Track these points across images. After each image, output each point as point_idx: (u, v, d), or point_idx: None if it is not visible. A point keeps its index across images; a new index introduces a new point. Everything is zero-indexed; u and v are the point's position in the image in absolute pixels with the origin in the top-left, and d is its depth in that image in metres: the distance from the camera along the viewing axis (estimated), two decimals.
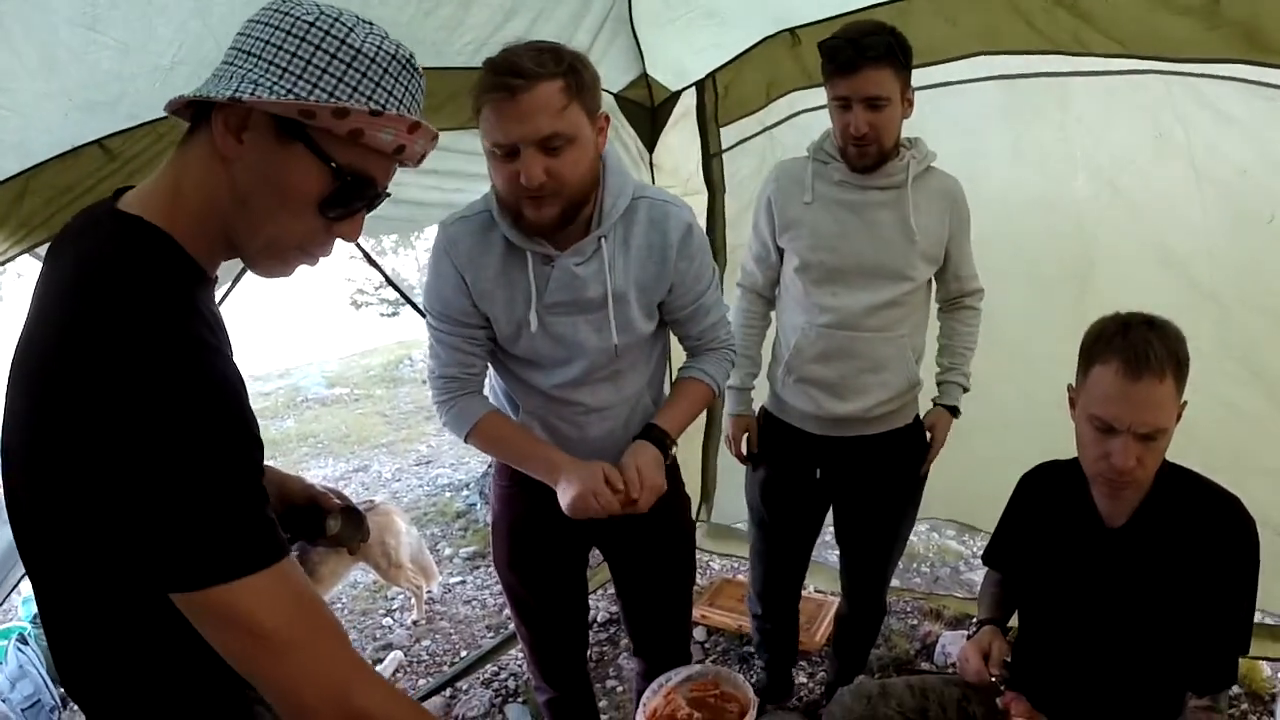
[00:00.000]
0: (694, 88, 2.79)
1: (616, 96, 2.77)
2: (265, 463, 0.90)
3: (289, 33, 0.86)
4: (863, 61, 1.75)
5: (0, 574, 2.22)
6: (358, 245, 2.26)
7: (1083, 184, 2.32)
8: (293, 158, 0.88)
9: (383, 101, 0.89)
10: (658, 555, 1.91)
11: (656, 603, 1.99)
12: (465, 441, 1.69)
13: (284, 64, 0.86)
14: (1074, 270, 2.41)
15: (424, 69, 2.25)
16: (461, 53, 2.26)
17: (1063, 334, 2.35)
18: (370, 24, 0.90)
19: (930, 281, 2.08)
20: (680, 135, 2.91)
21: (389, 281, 3.13)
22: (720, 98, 2.74)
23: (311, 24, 0.86)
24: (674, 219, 1.60)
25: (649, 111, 2.90)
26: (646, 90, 2.86)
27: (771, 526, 2.31)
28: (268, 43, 0.86)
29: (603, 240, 1.55)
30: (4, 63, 1.52)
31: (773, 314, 2.23)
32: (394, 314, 11.88)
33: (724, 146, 2.83)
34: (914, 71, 2.29)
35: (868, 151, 1.86)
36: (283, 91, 0.85)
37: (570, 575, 1.92)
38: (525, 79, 1.32)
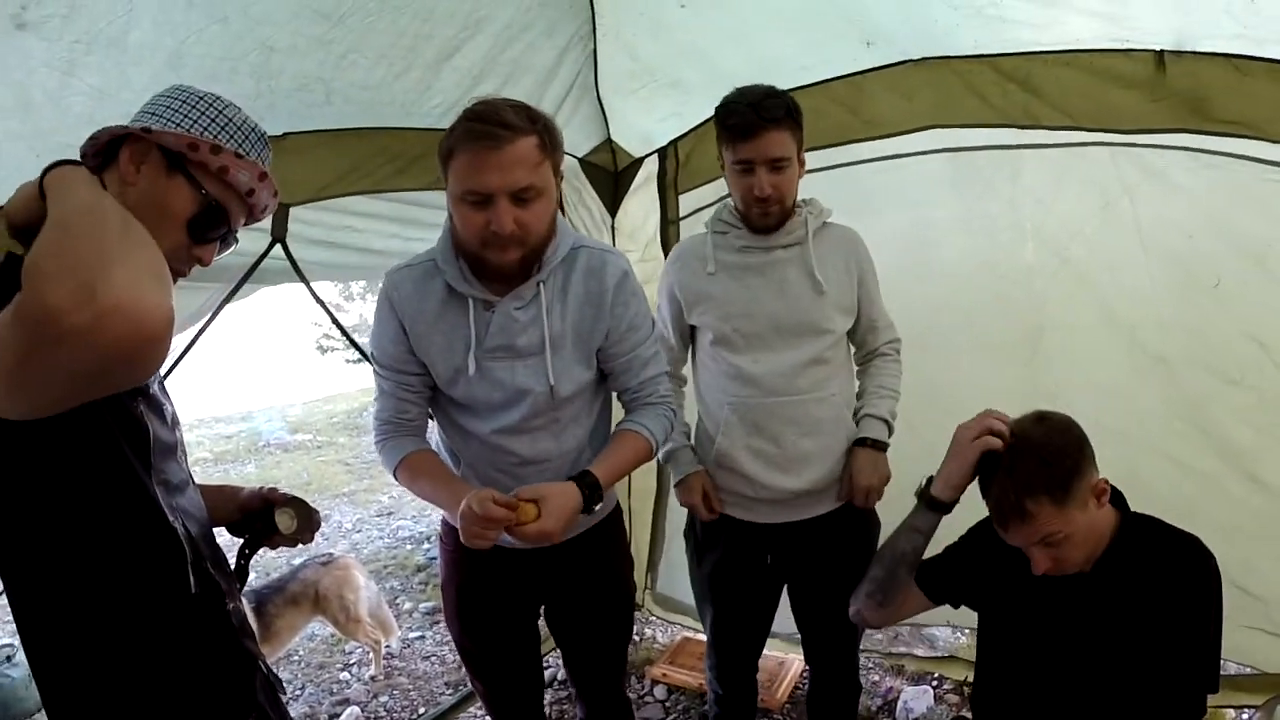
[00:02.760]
0: (656, 154, 2.86)
1: (581, 160, 2.84)
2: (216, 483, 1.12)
3: (184, 101, 1.17)
4: (763, 125, 1.78)
5: None
6: (315, 297, 2.32)
7: (1031, 253, 2.38)
8: (174, 186, 1.13)
9: (245, 151, 1.18)
10: (597, 611, 1.92)
11: (595, 656, 2.00)
12: (395, 478, 1.73)
13: (180, 116, 1.15)
14: (1024, 337, 2.45)
15: (393, 129, 2.30)
16: (430, 114, 2.32)
17: (1013, 400, 2.42)
18: (240, 109, 1.22)
19: (848, 343, 2.07)
20: (641, 201, 2.97)
21: (344, 334, 3.09)
22: (680, 165, 2.81)
23: (200, 98, 1.18)
24: (611, 266, 1.65)
25: (612, 176, 2.97)
26: (610, 155, 2.94)
27: (725, 618, 2.21)
28: (168, 106, 1.16)
29: (541, 286, 1.60)
30: None
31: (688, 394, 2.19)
32: (359, 360, 11.71)
33: (681, 214, 2.88)
34: (868, 143, 2.40)
35: (771, 211, 1.88)
36: (176, 129, 1.14)
37: (520, 631, 1.92)
38: (510, 131, 1.41)
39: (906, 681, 3.10)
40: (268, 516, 1.37)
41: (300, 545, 1.41)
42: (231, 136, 1.17)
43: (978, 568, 1.69)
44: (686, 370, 2.18)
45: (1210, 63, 1.96)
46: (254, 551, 1.39)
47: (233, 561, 1.34)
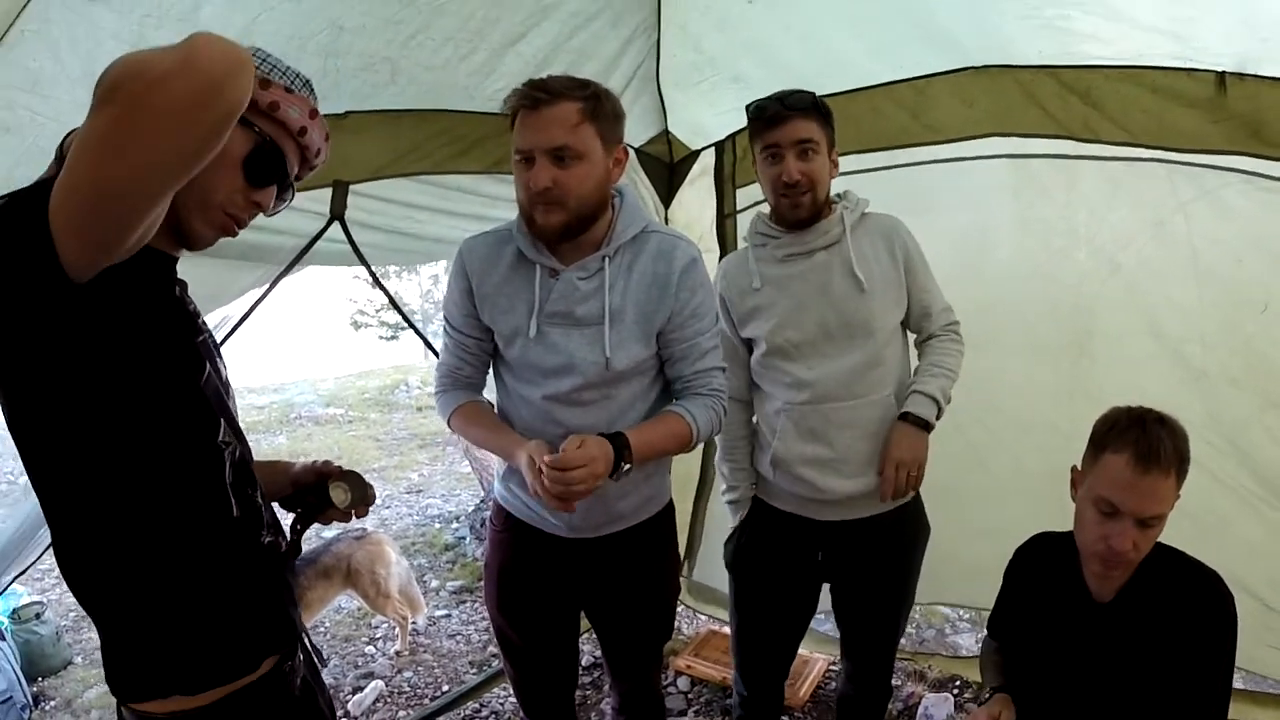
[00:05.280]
0: (713, 148, 2.85)
1: (637, 151, 2.83)
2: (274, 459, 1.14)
3: None
4: (789, 112, 1.81)
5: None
6: (368, 268, 2.36)
7: (1084, 259, 2.36)
8: None
9: (293, 86, 1.15)
10: (642, 607, 1.93)
11: (633, 650, 2.01)
12: (449, 426, 1.81)
13: None
14: (1071, 340, 2.44)
15: (455, 112, 2.31)
16: (493, 99, 2.31)
17: (1057, 402, 2.48)
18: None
19: (903, 334, 2.04)
20: (696, 193, 2.96)
21: (392, 303, 3.18)
22: (739, 159, 2.79)
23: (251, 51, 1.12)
24: (681, 251, 1.67)
25: (667, 167, 2.97)
26: (667, 146, 2.93)
27: (761, 624, 2.18)
28: None
29: (607, 260, 1.64)
30: (48, 70, 1.57)
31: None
32: (393, 337, 11.91)
33: (739, 207, 2.87)
34: (929, 147, 2.38)
35: (801, 201, 1.85)
36: None
37: (560, 622, 1.93)
38: (549, 95, 1.50)
39: (928, 688, 3.09)
40: (321, 491, 1.36)
41: (355, 519, 1.42)
42: (282, 76, 1.14)
43: (1016, 599, 1.74)
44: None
45: (1272, 87, 1.93)
46: (306, 526, 1.39)
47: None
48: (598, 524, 1.76)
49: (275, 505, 1.37)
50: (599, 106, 1.54)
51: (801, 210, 1.88)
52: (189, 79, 0.86)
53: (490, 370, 1.83)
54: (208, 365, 1.16)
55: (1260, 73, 1.93)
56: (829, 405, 1.93)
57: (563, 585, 1.85)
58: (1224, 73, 1.97)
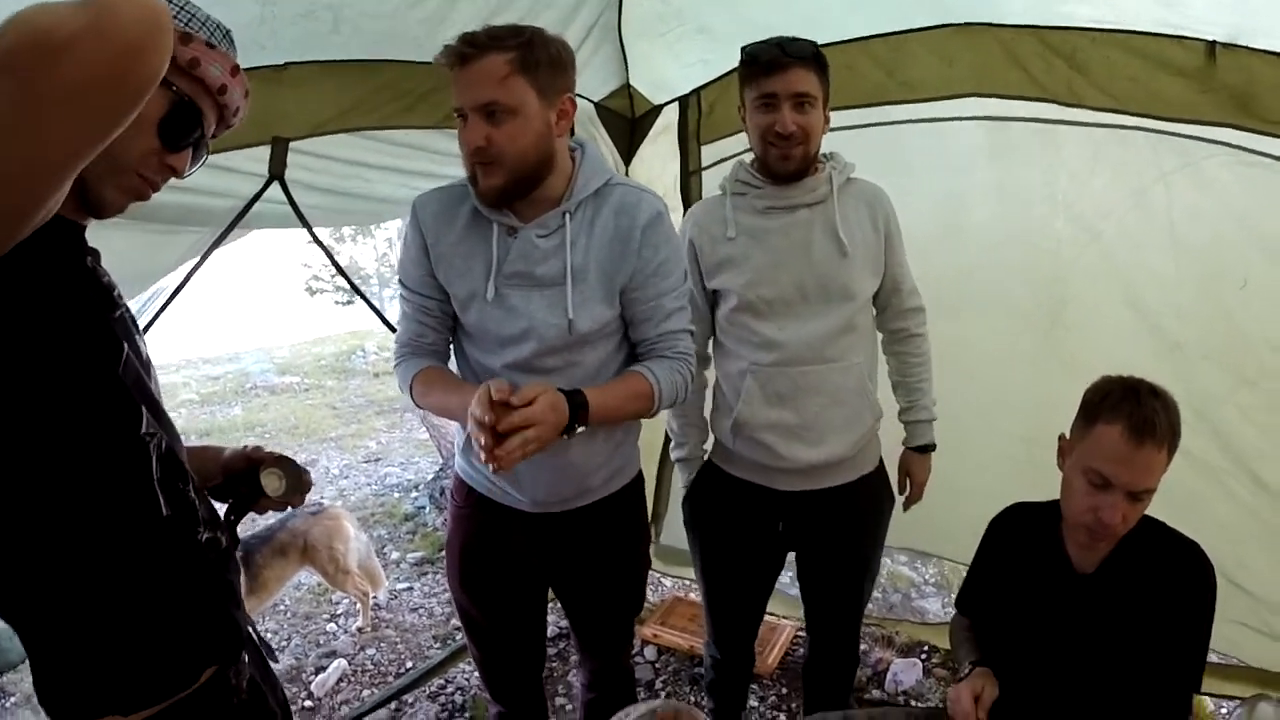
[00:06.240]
0: (677, 103, 2.74)
1: (596, 105, 2.71)
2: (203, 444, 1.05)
3: None
4: (790, 60, 1.71)
5: None
6: (310, 231, 2.21)
7: (1062, 226, 2.33)
8: None
9: (213, 40, 1.04)
10: (610, 583, 1.86)
11: (603, 627, 1.95)
12: (411, 397, 1.68)
13: None
14: (1047, 306, 2.43)
15: (403, 63, 2.16)
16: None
17: (1031, 368, 2.49)
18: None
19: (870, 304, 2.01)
20: (659, 149, 2.86)
21: (338, 269, 3.03)
22: (704, 115, 2.70)
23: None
24: (646, 205, 1.58)
25: (628, 122, 2.85)
26: (628, 101, 2.81)
27: (726, 587, 2.17)
28: None
29: (567, 216, 1.54)
30: None
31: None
32: (349, 302, 11.66)
33: (704, 164, 2.78)
34: (905, 105, 2.31)
35: (792, 154, 1.78)
36: None
37: (526, 602, 1.86)
38: (475, 48, 1.40)
39: (896, 653, 3.10)
40: (253, 478, 1.26)
41: (290, 509, 1.31)
42: (201, 27, 1.04)
43: (993, 570, 1.73)
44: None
45: (1263, 60, 1.88)
46: (240, 517, 1.29)
47: None
48: (564, 498, 1.68)
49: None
50: (530, 55, 1.42)
51: (791, 163, 1.79)
52: (101, 46, 0.72)
53: (453, 343, 1.72)
54: (125, 347, 1.03)
55: (1252, 44, 1.88)
56: (798, 369, 1.87)
57: (528, 562, 1.77)
58: (1214, 42, 1.91)
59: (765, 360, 1.88)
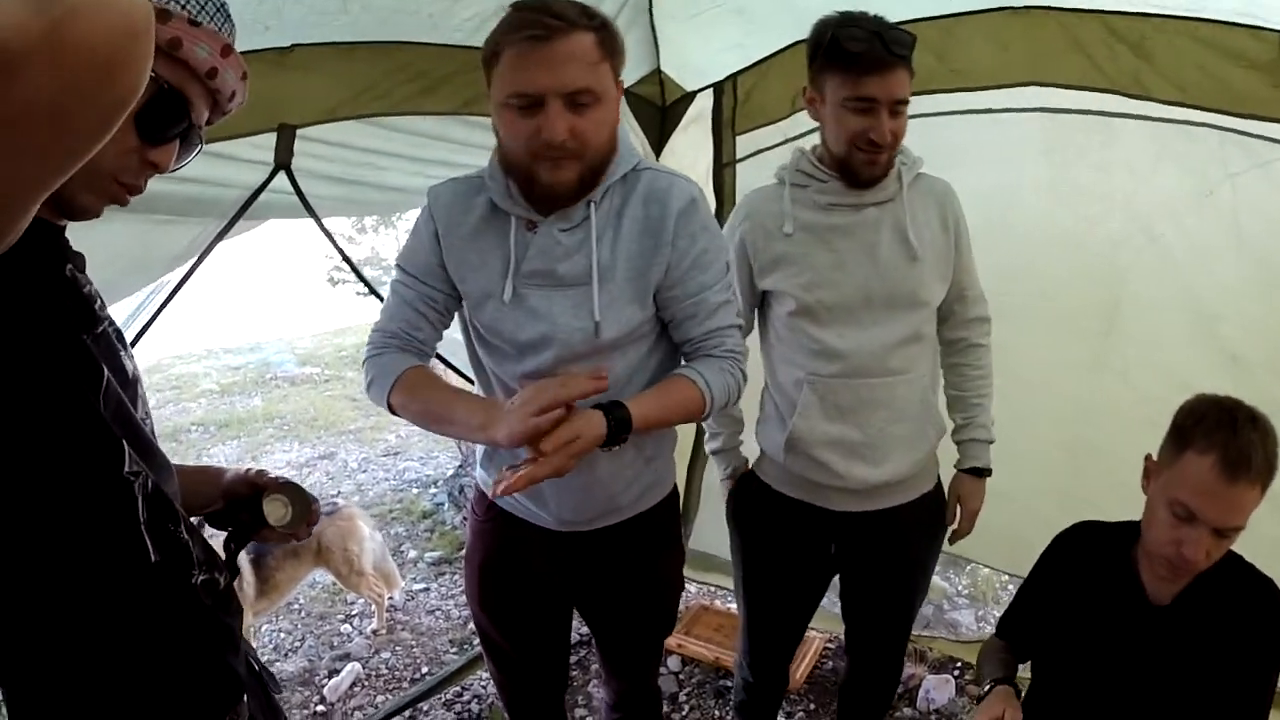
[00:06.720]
0: (711, 89, 2.61)
1: (625, 91, 2.58)
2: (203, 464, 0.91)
3: None
4: (894, 60, 1.52)
5: None
6: (318, 221, 2.09)
7: (1118, 226, 2.19)
8: None
9: (200, 17, 0.90)
10: (642, 606, 1.74)
11: (631, 648, 1.83)
12: (389, 406, 1.44)
13: None
14: (1100, 312, 2.29)
15: (417, 44, 2.04)
16: (461, 29, 2.05)
17: (1081, 374, 2.37)
18: None
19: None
20: (690, 139, 2.72)
21: (346, 260, 2.92)
22: (739, 103, 2.56)
23: None
24: (678, 190, 1.40)
25: (659, 110, 2.72)
26: (659, 87, 2.68)
27: (770, 612, 2.03)
28: None
29: (593, 206, 1.38)
30: None
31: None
32: (369, 294, 11.59)
33: (738, 156, 2.65)
34: (955, 94, 2.18)
35: (879, 160, 1.63)
36: None
37: (549, 624, 1.75)
38: (563, 22, 1.21)
39: (929, 669, 2.99)
40: (256, 505, 1.15)
41: (297, 540, 1.20)
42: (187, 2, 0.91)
43: (1052, 590, 1.62)
44: (752, 341, 1.85)
45: None
46: (240, 546, 1.19)
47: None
48: (593, 516, 1.55)
49: (204, 523, 1.16)
50: (612, 38, 1.29)
51: (878, 169, 1.65)
52: (58, 63, 0.55)
53: (468, 352, 1.58)
54: (106, 372, 0.91)
55: None
56: (861, 380, 1.72)
57: (552, 582, 1.65)
58: None
59: (826, 371, 1.73)
